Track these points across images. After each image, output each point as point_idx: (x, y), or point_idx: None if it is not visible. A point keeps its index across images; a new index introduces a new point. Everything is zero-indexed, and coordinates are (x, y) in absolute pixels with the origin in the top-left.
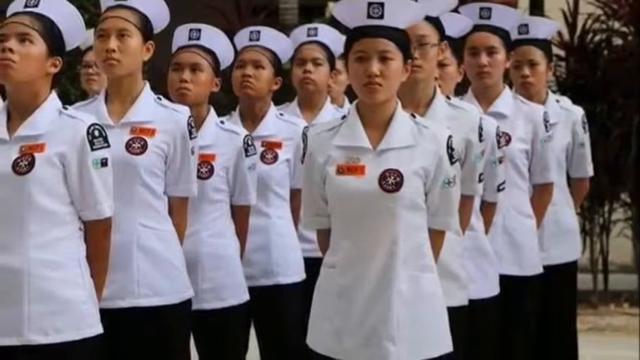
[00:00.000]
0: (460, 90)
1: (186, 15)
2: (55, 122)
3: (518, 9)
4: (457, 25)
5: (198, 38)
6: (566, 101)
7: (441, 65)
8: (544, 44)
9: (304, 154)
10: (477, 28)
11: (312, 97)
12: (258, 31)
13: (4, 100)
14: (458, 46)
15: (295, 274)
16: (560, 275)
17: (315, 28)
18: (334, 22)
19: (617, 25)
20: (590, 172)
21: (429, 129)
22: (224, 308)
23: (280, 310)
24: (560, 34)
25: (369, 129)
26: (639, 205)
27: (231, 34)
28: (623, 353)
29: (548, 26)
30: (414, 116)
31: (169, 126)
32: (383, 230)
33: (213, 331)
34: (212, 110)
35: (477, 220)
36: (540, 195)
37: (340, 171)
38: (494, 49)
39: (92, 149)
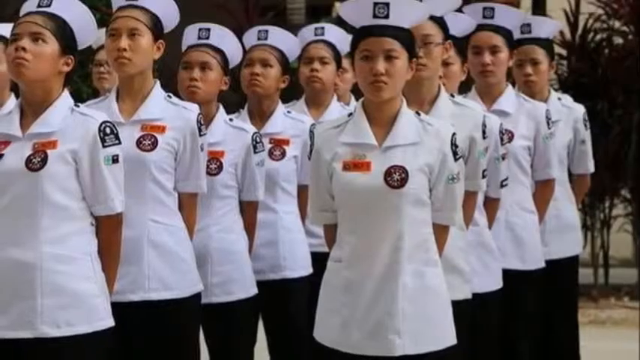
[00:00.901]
0: (464, 88)
1: (195, 14)
2: (67, 120)
3: (521, 9)
4: (461, 25)
5: (207, 37)
6: (567, 99)
7: (445, 64)
8: (546, 43)
9: (311, 150)
10: (480, 27)
11: (319, 95)
12: (266, 31)
13: (17, 97)
14: (462, 45)
15: (302, 268)
16: (561, 269)
17: (322, 28)
18: (341, 22)
19: (617, 24)
20: (591, 169)
21: (434, 126)
22: (233, 302)
23: (288, 303)
24: (561, 33)
25: (374, 126)
26: (639, 200)
27: (239, 34)
28: (624, 346)
29: (550, 26)
30: (419, 114)
31: (179, 123)
32: (388, 225)
33: (222, 325)
34: (221, 108)
35: (480, 215)
36: (542, 191)
37: (346, 167)
38: (497, 48)
39: (103, 146)
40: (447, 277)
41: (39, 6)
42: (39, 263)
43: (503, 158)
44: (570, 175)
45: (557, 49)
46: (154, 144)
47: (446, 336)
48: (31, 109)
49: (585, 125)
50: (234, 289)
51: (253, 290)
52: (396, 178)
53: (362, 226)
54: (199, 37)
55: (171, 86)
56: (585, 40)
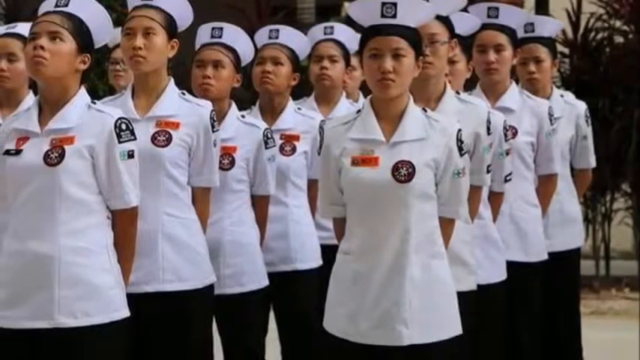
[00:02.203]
0: (469, 85)
1: (208, 14)
2: (84, 116)
3: (524, 9)
4: (466, 24)
5: (220, 36)
6: (569, 96)
7: (451, 62)
8: (549, 42)
9: (321, 146)
10: (485, 26)
11: (328, 92)
12: (277, 30)
13: (35, 95)
14: (467, 43)
15: (312, 260)
16: (564, 261)
17: (332, 27)
18: (349, 21)
19: (618, 23)
20: (593, 164)
21: (440, 122)
22: (244, 293)
23: (298, 294)
24: (564, 32)
25: (382, 122)
26: (639, 194)
27: (251, 33)
28: (624, 336)
29: (552, 25)
30: (426, 110)
31: (193, 120)
32: (396, 219)
33: (234, 315)
34: (233, 105)
35: (485, 209)
36: (545, 185)
37: (355, 162)
38: (501, 47)
39: (119, 142)
40: (453, 269)
41: (56, 6)
42: (57, 255)
43: (507, 154)
44: (572, 169)
45: (560, 48)
46: (169, 140)
47: (451, 326)
48: (49, 106)
49: (587, 121)
50: (245, 281)
51: (264, 282)
52: (403, 172)
53: (370, 220)
54: (212, 36)
55: (185, 84)
56: (587, 38)
